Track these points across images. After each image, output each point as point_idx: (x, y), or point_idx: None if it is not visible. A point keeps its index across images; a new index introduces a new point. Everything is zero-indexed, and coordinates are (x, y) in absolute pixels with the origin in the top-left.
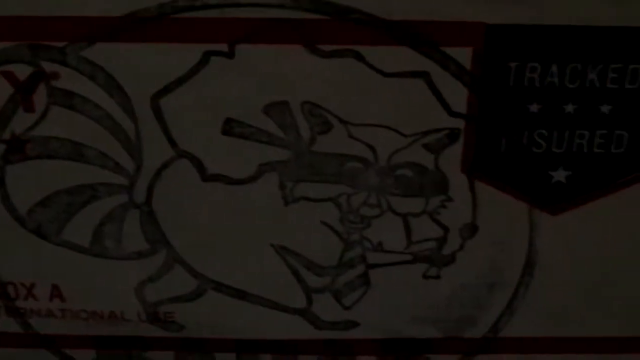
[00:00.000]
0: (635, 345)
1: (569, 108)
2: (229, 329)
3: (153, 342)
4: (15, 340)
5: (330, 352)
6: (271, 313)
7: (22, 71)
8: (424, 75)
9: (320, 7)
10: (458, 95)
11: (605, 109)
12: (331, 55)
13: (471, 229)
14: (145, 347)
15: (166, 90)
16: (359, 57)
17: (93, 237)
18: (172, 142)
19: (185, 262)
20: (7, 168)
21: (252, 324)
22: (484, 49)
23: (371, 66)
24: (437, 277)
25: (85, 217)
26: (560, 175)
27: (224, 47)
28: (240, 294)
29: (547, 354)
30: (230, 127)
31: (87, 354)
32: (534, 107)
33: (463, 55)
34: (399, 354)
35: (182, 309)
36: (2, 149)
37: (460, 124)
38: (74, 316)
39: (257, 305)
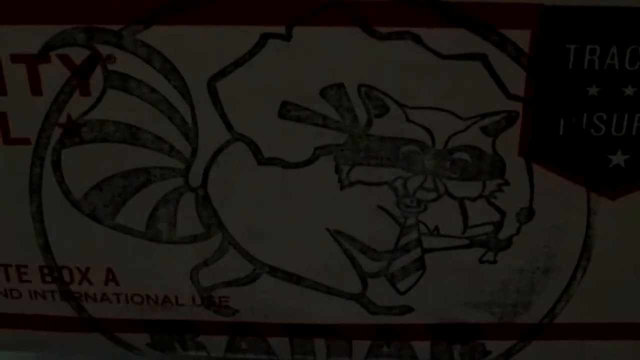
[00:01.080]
0: None
1: (629, 91)
2: (282, 313)
3: (206, 326)
4: (69, 324)
5: (383, 337)
6: (325, 298)
7: (78, 55)
8: (482, 58)
9: None
10: (516, 78)
11: None
12: (388, 37)
13: (528, 213)
14: (199, 331)
15: (223, 73)
16: (417, 39)
17: (148, 221)
18: (229, 126)
19: (240, 246)
20: (63, 152)
21: (305, 309)
22: (542, 31)
23: (428, 48)
24: (494, 261)
25: (140, 200)
26: (619, 158)
27: (281, 29)
28: (295, 279)
29: (604, 340)
30: (286, 111)
31: (141, 338)
32: (593, 90)
33: (521, 37)
34: (452, 339)
35: (236, 293)
36: (58, 132)
37: (518, 106)
38: (128, 300)
39: (312, 289)
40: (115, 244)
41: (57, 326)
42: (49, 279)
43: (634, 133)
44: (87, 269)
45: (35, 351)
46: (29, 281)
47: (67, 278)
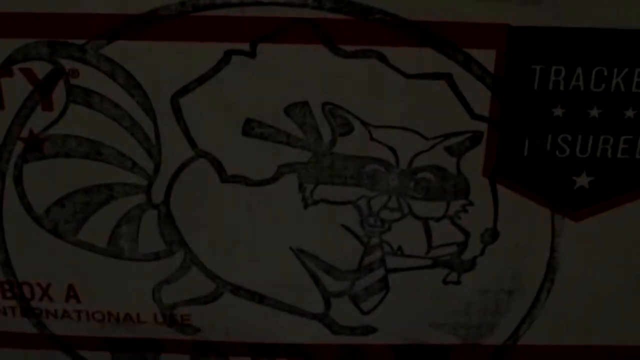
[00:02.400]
0: None
1: (594, 112)
2: (244, 332)
3: (168, 344)
4: (29, 340)
5: (347, 357)
6: (288, 317)
7: (41, 69)
8: (447, 77)
9: (342, 7)
10: (481, 97)
11: (630, 113)
12: (353, 55)
13: (492, 234)
14: (160, 349)
15: (186, 89)
16: (382, 57)
17: (110, 238)
18: (192, 142)
19: (202, 264)
20: (25, 167)
21: (268, 328)
22: (508, 51)
23: (393, 67)
24: (457, 282)
25: (103, 217)
26: (583, 180)
27: (245, 46)
28: (258, 297)
29: None
30: (250, 128)
31: (103, 356)
32: (558, 111)
33: (487, 57)
34: None
35: (198, 311)
36: (19, 147)
37: (482, 127)
38: (90, 317)
39: (274, 309)
40: (77, 261)
41: (17, 343)
42: (9, 294)
43: (598, 155)
44: (48, 285)
45: None
46: None
47: (27, 294)
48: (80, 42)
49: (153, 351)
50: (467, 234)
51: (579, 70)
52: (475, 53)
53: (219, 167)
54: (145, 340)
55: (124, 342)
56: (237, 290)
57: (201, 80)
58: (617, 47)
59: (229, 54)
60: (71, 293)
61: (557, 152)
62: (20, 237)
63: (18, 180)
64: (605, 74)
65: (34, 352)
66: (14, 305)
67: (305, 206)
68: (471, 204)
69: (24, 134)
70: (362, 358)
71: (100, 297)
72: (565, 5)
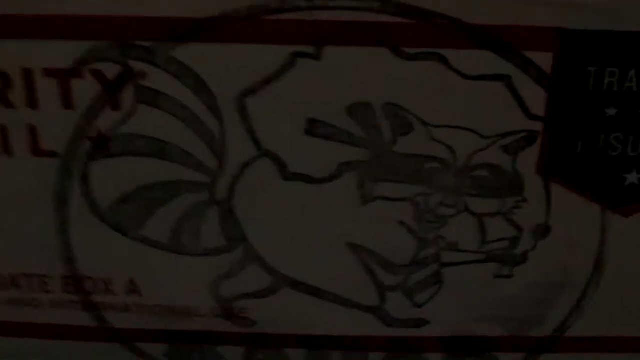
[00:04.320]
0: None
1: None
2: (300, 325)
3: (224, 337)
4: (89, 333)
5: (398, 349)
6: (343, 310)
7: (111, 70)
8: (505, 79)
9: (405, 11)
10: (537, 98)
11: None
12: (415, 57)
13: (544, 230)
14: (217, 342)
15: (252, 90)
16: (442, 59)
17: (172, 234)
18: (256, 141)
19: (261, 259)
20: (91, 165)
21: (323, 321)
22: (563, 54)
23: (453, 69)
24: (509, 276)
25: (165, 213)
26: (633, 177)
27: (310, 49)
28: (315, 291)
29: (613, 353)
30: (313, 127)
31: (160, 348)
32: (611, 111)
33: (543, 59)
34: (465, 352)
35: (256, 305)
36: (87, 146)
37: (538, 126)
38: (149, 311)
39: (331, 302)
40: (139, 256)
41: (77, 336)
42: (71, 289)
43: None
44: (110, 279)
45: None
46: (52, 291)
47: (89, 288)
48: (149, 44)
49: (210, 343)
50: (520, 230)
51: (632, 73)
52: (532, 55)
53: (281, 165)
54: (203, 333)
55: (182, 335)
56: (295, 284)
57: (267, 81)
58: None
59: (294, 56)
60: (132, 287)
61: (608, 151)
62: (85, 233)
63: (84, 178)
64: None
65: (94, 345)
66: (75, 300)
67: (364, 203)
68: (525, 200)
69: (92, 133)
70: (414, 350)
71: (160, 291)
72: (619, 10)
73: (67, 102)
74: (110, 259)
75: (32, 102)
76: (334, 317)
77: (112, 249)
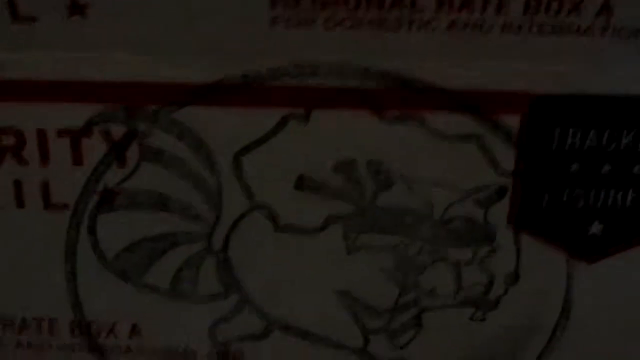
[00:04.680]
0: None
1: (606, 168)
2: None
3: None
4: None
5: None
6: (330, 352)
7: (118, 130)
8: (478, 139)
9: (387, 78)
10: (507, 156)
11: (637, 169)
12: (396, 119)
13: (514, 277)
14: None
15: (247, 149)
16: (421, 122)
17: (172, 281)
18: (250, 195)
19: (255, 304)
20: (98, 217)
21: None
22: (530, 116)
23: (432, 130)
24: (483, 319)
25: (166, 262)
26: (596, 228)
27: (300, 111)
28: (304, 334)
29: None
30: (302, 183)
31: None
32: (574, 167)
33: (512, 120)
34: None
35: (250, 348)
36: (94, 200)
37: (508, 182)
38: (150, 353)
39: (319, 344)
40: (141, 301)
41: None
42: (77, 332)
43: (609, 205)
44: (114, 323)
45: None
46: (59, 335)
47: (94, 332)
48: (152, 107)
49: None
50: (492, 277)
51: (593, 132)
52: (502, 117)
53: (273, 217)
54: None
55: None
56: (286, 328)
57: (260, 141)
58: (625, 111)
59: (285, 119)
60: (134, 330)
61: (573, 204)
62: (91, 281)
63: (92, 230)
64: (616, 134)
65: None
66: (81, 342)
67: (349, 253)
68: (496, 249)
69: (100, 187)
70: None
71: (160, 334)
72: (582, 77)
73: (77, 159)
74: (114, 304)
75: (45, 159)
76: (322, 359)
77: (116, 295)
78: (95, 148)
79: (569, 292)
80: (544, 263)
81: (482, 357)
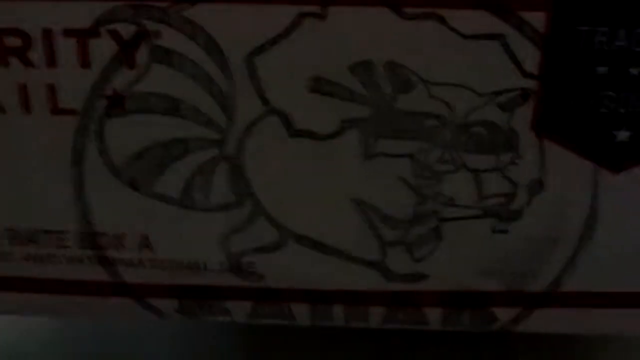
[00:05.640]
0: None
1: (634, 71)
2: (305, 280)
3: (232, 292)
4: (103, 289)
5: (398, 304)
6: (346, 265)
7: (127, 30)
8: (500, 38)
9: None
10: (531, 57)
11: None
12: (415, 17)
13: (538, 186)
14: (225, 297)
15: (261, 49)
16: (441, 20)
17: (183, 190)
18: (264, 99)
19: (269, 214)
20: (107, 122)
21: (327, 276)
22: (556, 14)
23: (452, 28)
24: (505, 231)
25: (177, 170)
26: (623, 135)
27: (316, 9)
28: (319, 246)
29: (606, 309)
30: (318, 85)
31: (171, 303)
32: (602, 70)
33: (537, 19)
34: (463, 306)
35: (263, 259)
36: (103, 104)
37: (532, 84)
38: (160, 266)
39: (334, 257)
40: (151, 212)
41: (93, 291)
42: (86, 244)
43: (638, 110)
44: (124, 234)
45: (70, 316)
46: (68, 247)
47: (103, 244)
48: (163, 4)
49: (218, 298)
50: (515, 185)
51: (622, 32)
52: (526, 15)
53: (288, 122)
54: (212, 287)
55: (192, 290)
56: (299, 239)
57: (275, 40)
58: None
59: (301, 16)
60: (144, 242)
61: (600, 109)
62: (99, 190)
63: (100, 135)
64: None
65: (108, 300)
66: (90, 255)
67: (366, 159)
68: (520, 156)
69: (108, 91)
70: (413, 304)
71: (171, 246)
72: None
73: (85, 61)
74: (123, 214)
75: (51, 61)
76: (337, 272)
77: (125, 205)
78: (103, 49)
79: (594, 203)
80: (568, 171)
81: (503, 271)
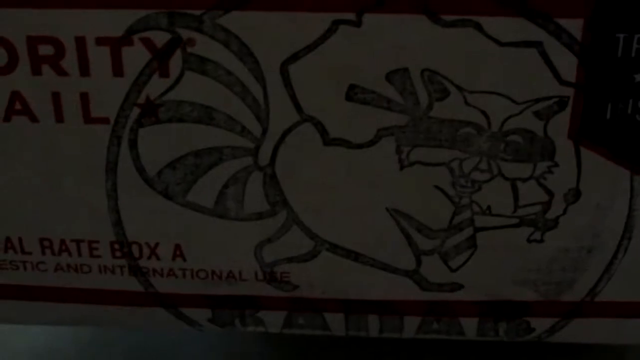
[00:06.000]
0: None
1: None
2: (339, 289)
3: (266, 301)
4: (135, 298)
5: (433, 313)
6: (381, 274)
7: (160, 38)
8: (537, 45)
9: None
10: (568, 64)
11: None
12: (452, 25)
13: (575, 194)
14: (259, 307)
15: (295, 57)
16: (478, 27)
17: (217, 199)
18: (298, 107)
19: (303, 223)
20: (140, 131)
21: (361, 285)
22: (594, 20)
23: (488, 36)
24: (541, 240)
25: (211, 179)
26: None
27: (352, 16)
28: (353, 255)
29: None
30: (353, 93)
31: (203, 313)
32: (639, 77)
33: (575, 26)
34: (499, 316)
35: (297, 269)
36: (136, 112)
37: (569, 92)
38: (194, 276)
39: (368, 266)
40: (185, 221)
41: (124, 301)
42: (119, 254)
43: None
44: (156, 244)
45: (102, 326)
46: (100, 256)
47: (136, 253)
48: (197, 12)
49: (252, 308)
50: (551, 194)
51: None
52: (564, 22)
53: (322, 130)
54: (245, 297)
55: (225, 299)
56: (334, 248)
57: (309, 48)
58: None
59: (336, 23)
60: (177, 252)
61: (637, 116)
62: (133, 199)
63: (133, 144)
64: None
65: (140, 310)
66: (122, 265)
67: (402, 168)
68: (556, 165)
69: (141, 100)
70: (448, 314)
71: (204, 256)
72: None
73: (117, 69)
74: (156, 224)
75: (84, 69)
76: (372, 281)
77: (158, 214)
78: (136, 57)
79: (631, 211)
80: (606, 180)
81: (539, 281)
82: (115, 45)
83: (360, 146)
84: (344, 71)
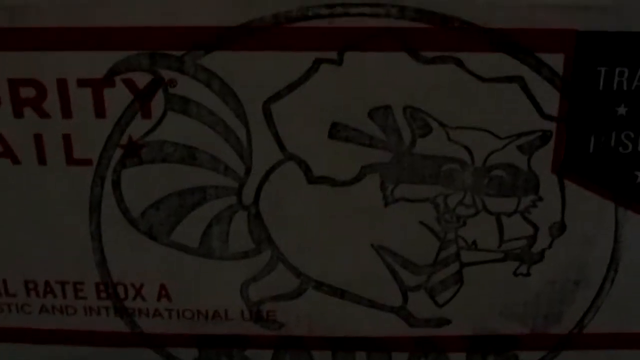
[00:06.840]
0: None
1: None
2: (326, 327)
3: (253, 340)
4: (122, 339)
5: (421, 349)
6: (367, 311)
7: (142, 79)
8: (519, 80)
9: (423, 16)
10: (550, 98)
11: None
12: (433, 61)
13: (560, 227)
14: (246, 345)
15: (277, 96)
16: (459, 63)
17: (201, 238)
18: (281, 146)
19: (288, 261)
20: (123, 172)
21: (348, 322)
22: (574, 55)
23: (470, 72)
24: (527, 274)
25: (195, 218)
26: None
27: (333, 54)
28: (339, 293)
29: (630, 350)
30: (336, 131)
31: (190, 353)
32: (622, 110)
33: (556, 60)
34: (487, 350)
35: (283, 307)
36: (119, 153)
37: (551, 126)
38: (180, 315)
39: (355, 303)
40: (169, 261)
41: (110, 341)
42: (104, 295)
43: None
44: (142, 285)
45: None
46: (85, 297)
47: (122, 294)
48: (178, 53)
49: (239, 347)
50: (536, 228)
51: None
52: (545, 57)
53: (306, 168)
54: (232, 336)
55: (212, 339)
56: (320, 285)
57: (292, 87)
58: None
59: (317, 62)
60: (163, 292)
61: (620, 149)
62: (116, 239)
63: (116, 185)
64: None
65: (126, 351)
66: (108, 305)
67: (386, 204)
68: (540, 199)
69: (124, 141)
70: (437, 349)
71: (190, 295)
72: (629, 12)
73: (100, 110)
74: (141, 264)
75: (66, 111)
76: (359, 318)
77: (143, 255)
78: (118, 98)
79: (617, 244)
80: (590, 212)
81: (526, 314)
82: (97, 86)
83: (344, 183)
84: (327, 109)
